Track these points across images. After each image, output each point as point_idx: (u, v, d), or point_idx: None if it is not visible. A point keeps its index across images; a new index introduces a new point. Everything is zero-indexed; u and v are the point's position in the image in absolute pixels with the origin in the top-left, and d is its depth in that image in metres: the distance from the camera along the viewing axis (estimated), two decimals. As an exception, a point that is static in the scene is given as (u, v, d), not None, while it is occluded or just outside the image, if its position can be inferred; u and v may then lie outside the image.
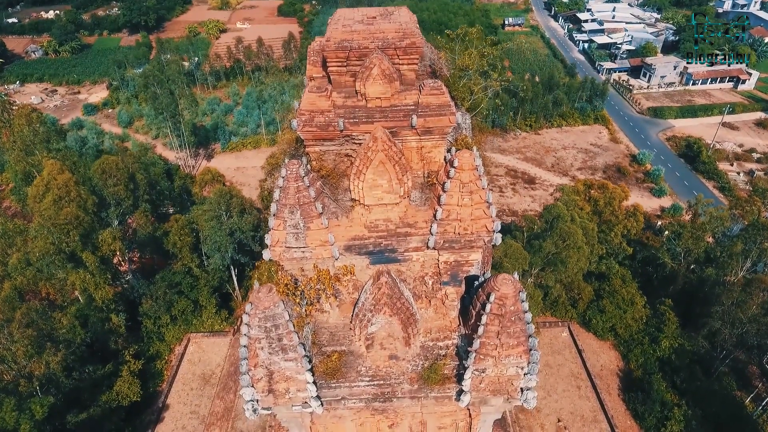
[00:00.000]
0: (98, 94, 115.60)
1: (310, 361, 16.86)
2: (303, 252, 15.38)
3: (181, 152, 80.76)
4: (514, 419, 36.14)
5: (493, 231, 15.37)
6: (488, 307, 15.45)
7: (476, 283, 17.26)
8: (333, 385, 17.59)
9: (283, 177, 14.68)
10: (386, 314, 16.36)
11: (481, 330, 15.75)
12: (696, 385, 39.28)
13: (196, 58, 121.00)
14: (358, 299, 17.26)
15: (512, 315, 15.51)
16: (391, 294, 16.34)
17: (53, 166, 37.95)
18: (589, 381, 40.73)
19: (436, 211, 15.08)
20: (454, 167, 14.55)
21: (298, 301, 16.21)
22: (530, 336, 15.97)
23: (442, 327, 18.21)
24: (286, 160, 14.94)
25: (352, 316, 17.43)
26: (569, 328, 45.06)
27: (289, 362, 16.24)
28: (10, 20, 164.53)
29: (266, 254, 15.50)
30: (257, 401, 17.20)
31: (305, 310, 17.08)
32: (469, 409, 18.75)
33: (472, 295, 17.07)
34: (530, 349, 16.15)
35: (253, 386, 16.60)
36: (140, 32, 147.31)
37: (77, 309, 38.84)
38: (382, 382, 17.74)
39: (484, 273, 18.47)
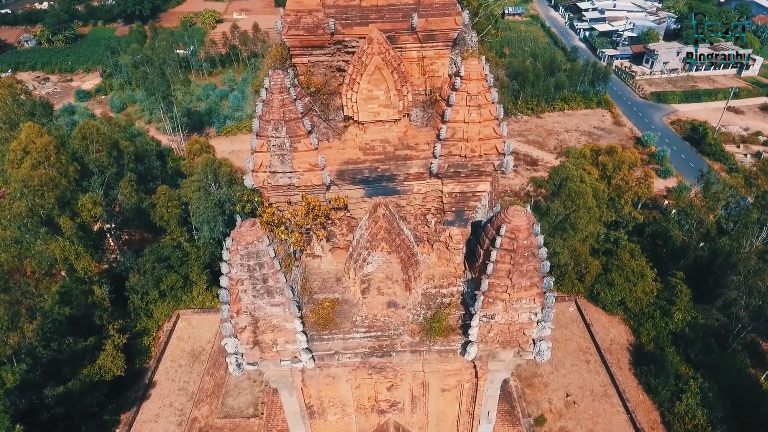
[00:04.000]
0: (91, 81, 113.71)
1: (299, 309, 15.13)
2: (290, 177, 13.57)
3: (175, 135, 78.69)
4: (520, 394, 34.54)
5: (504, 153, 13.58)
6: (498, 241, 13.65)
7: (483, 222, 15.54)
8: (325, 336, 15.84)
9: (266, 89, 12.86)
10: (384, 251, 14.57)
11: (490, 268, 13.95)
12: (711, 358, 37.77)
13: (192, 46, 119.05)
14: (352, 239, 15.50)
15: (525, 250, 13.71)
16: (390, 228, 14.54)
17: (31, 128, 35.93)
18: (598, 355, 39.18)
19: (439, 129, 13.30)
20: (460, 77, 12.78)
21: (285, 234, 14.34)
22: (545, 276, 14.19)
23: (446, 273, 16.47)
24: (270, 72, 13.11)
25: (347, 258, 15.67)
26: (576, 302, 43.50)
27: (276, 307, 14.45)
28: (3, 11, 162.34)
29: (248, 181, 13.72)
30: (242, 355, 15.46)
31: (294, 249, 15.32)
32: (475, 367, 17.01)
33: (479, 236, 15.28)
34: (545, 292, 14.40)
35: (236, 337, 14.84)
36: (135, 22, 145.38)
37: (61, 285, 37.00)
38: (379, 333, 15.98)
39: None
